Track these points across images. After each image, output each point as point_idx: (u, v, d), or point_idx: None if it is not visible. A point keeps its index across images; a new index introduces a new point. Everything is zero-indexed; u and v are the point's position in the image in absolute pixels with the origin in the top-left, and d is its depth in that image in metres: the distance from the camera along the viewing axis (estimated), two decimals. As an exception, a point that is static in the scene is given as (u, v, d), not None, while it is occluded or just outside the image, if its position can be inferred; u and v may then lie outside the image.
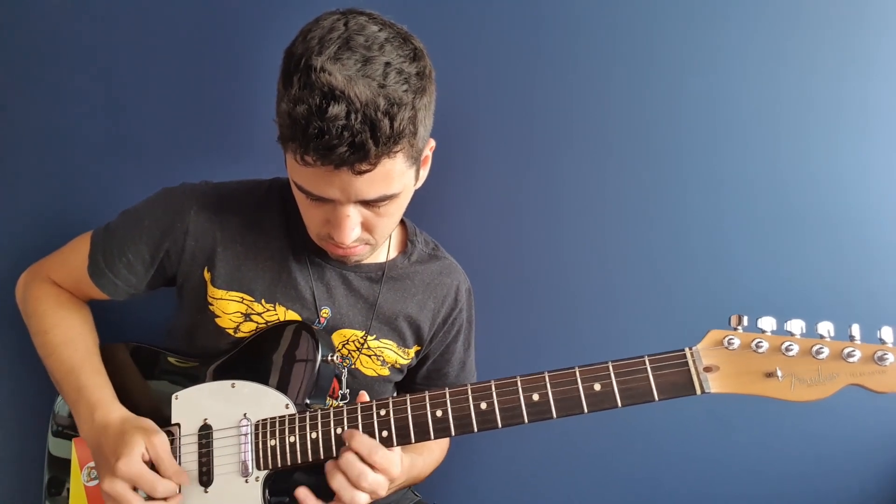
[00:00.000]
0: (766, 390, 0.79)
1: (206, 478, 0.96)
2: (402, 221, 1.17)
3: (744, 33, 1.29)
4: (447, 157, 1.12)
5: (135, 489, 0.91)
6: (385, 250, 1.12)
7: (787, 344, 0.78)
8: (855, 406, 1.24)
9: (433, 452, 1.15)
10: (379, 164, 0.84)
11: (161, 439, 0.94)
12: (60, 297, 1.11)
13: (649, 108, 1.32)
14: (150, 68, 1.34)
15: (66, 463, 1.07)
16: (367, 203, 0.90)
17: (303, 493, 0.91)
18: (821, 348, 0.77)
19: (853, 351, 0.76)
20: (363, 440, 0.89)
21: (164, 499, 0.93)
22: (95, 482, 1.04)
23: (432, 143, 1.00)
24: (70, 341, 1.06)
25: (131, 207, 1.09)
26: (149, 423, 0.97)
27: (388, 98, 0.81)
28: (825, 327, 0.78)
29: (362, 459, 0.88)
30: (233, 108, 1.35)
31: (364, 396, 0.95)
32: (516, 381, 0.87)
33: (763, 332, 0.80)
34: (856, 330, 0.77)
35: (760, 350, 0.79)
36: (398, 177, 0.89)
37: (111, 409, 0.99)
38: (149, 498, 0.92)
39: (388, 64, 0.83)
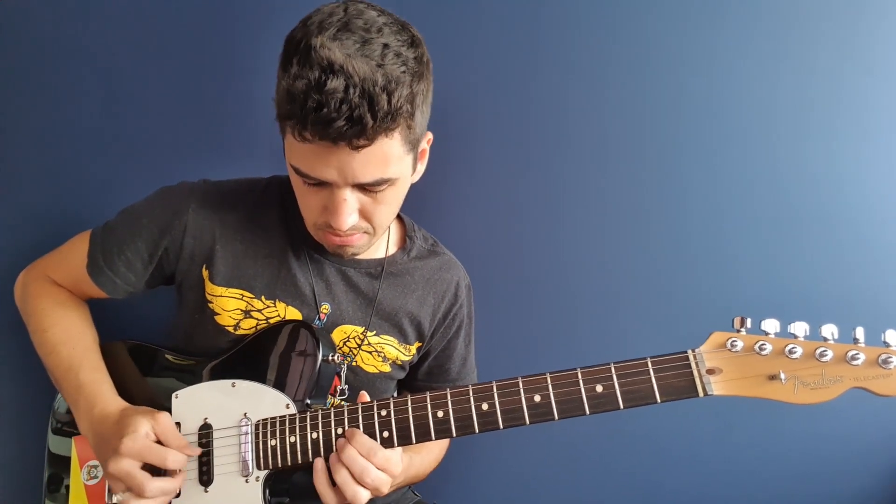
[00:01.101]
0: (769, 393, 0.78)
1: (206, 477, 0.96)
2: (400, 218, 1.17)
3: (743, 33, 1.28)
4: (445, 153, 1.11)
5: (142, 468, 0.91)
6: (384, 246, 1.12)
7: (790, 346, 0.78)
8: (856, 407, 1.23)
9: (432, 451, 1.15)
10: (376, 142, 0.84)
11: (166, 418, 0.94)
12: (59, 296, 1.11)
13: (650, 108, 1.31)
14: (149, 68, 1.34)
15: (66, 461, 1.07)
16: (364, 187, 0.90)
17: (319, 464, 0.91)
18: (824, 351, 0.76)
19: (857, 354, 0.75)
20: (363, 441, 0.89)
21: (174, 476, 0.93)
22: (95, 481, 1.04)
23: (430, 136, 1.00)
24: (69, 339, 1.06)
25: (130, 206, 1.09)
26: (150, 408, 0.97)
27: (385, 75, 0.81)
28: (829, 330, 0.77)
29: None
30: (232, 108, 1.34)
31: (364, 397, 0.94)
32: (518, 383, 0.86)
33: (766, 334, 0.79)
34: (860, 333, 0.76)
35: (764, 353, 0.79)
36: (395, 160, 0.89)
37: (110, 402, 0.99)
38: (155, 474, 0.91)
39: (386, 45, 0.84)
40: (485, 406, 0.87)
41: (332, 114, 0.79)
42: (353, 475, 0.88)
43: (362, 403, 0.92)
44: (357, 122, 0.81)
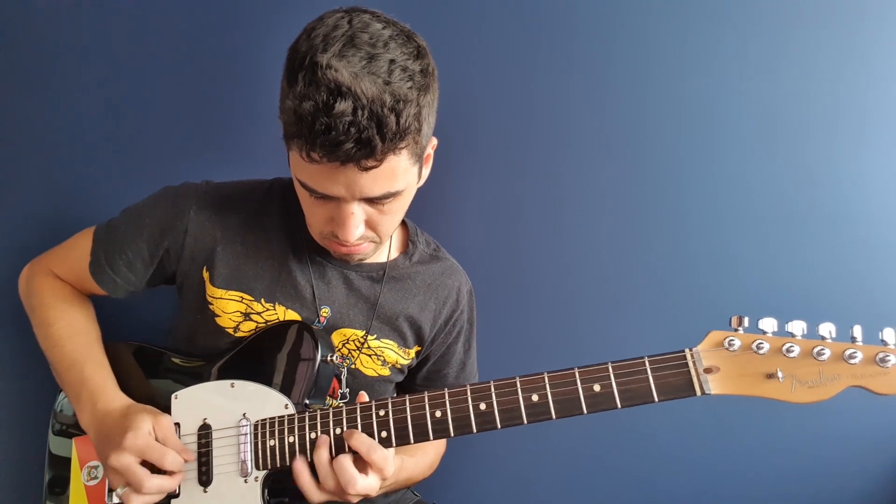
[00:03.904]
0: (767, 392, 0.78)
1: (205, 477, 0.96)
2: (403, 222, 1.17)
3: (743, 33, 1.28)
4: (448, 156, 1.12)
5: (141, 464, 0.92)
6: (386, 250, 1.12)
7: (788, 345, 0.78)
8: (855, 406, 1.23)
9: (427, 454, 1.15)
10: (385, 161, 0.84)
11: (167, 420, 0.95)
12: (63, 291, 1.12)
13: (650, 109, 1.31)
14: (151, 68, 1.35)
15: (67, 462, 1.07)
16: (371, 200, 0.90)
17: (298, 465, 0.91)
18: (822, 350, 0.76)
19: (855, 352, 0.75)
20: (363, 439, 0.89)
21: (171, 476, 0.93)
22: (95, 481, 1.04)
23: (434, 141, 1.00)
24: (73, 335, 1.07)
25: (133, 205, 1.10)
26: (153, 408, 0.98)
27: (393, 94, 0.81)
28: (826, 328, 0.77)
29: (360, 458, 0.89)
30: (234, 108, 1.35)
31: (364, 397, 0.94)
32: (515, 382, 0.86)
33: (764, 333, 0.79)
34: (857, 331, 0.76)
35: (761, 351, 0.79)
36: (402, 174, 0.89)
37: (114, 397, 0.99)
38: (154, 472, 0.92)
39: (392, 61, 0.83)
40: (482, 406, 0.87)
41: (340, 136, 0.79)
42: (339, 482, 0.88)
43: (361, 403, 0.92)
44: (366, 143, 0.80)
